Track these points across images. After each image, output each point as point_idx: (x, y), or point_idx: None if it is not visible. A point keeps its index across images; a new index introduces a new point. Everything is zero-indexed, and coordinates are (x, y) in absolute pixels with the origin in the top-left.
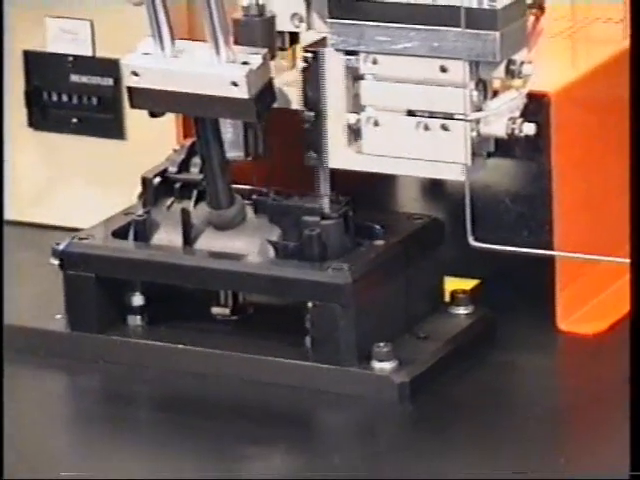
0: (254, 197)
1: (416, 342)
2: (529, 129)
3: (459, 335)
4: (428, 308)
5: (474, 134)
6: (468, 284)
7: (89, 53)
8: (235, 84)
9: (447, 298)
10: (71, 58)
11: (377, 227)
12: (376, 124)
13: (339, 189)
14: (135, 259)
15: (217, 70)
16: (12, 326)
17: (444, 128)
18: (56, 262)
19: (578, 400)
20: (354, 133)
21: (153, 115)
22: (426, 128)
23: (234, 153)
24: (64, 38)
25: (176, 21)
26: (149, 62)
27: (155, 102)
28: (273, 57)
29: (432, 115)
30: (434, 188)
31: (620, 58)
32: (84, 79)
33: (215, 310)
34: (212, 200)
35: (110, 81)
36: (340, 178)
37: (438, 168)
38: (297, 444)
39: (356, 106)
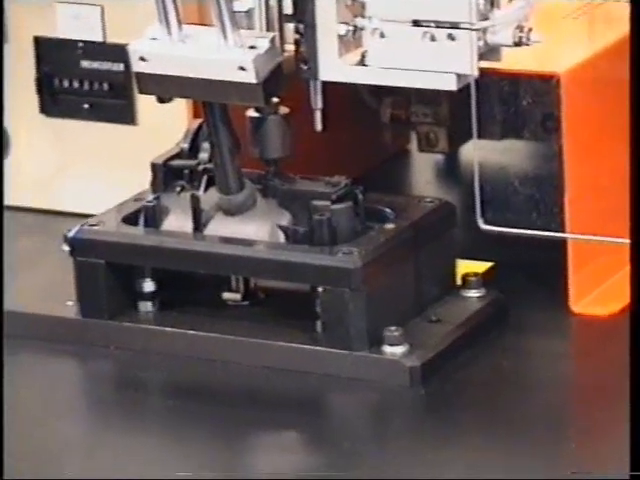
0: (264, 182)
1: (427, 326)
2: (537, 37)
3: (471, 318)
4: (439, 291)
5: (481, 43)
6: (480, 267)
7: (100, 39)
8: (243, 68)
9: (459, 281)
10: (82, 44)
11: (387, 211)
12: (382, 35)
13: (348, 171)
14: (145, 245)
15: (224, 55)
16: (23, 313)
17: (450, 38)
18: (67, 248)
19: (591, 385)
20: (345, 45)
21: (161, 101)
22: (432, 39)
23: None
24: (74, 24)
25: (186, 8)
26: (156, 47)
27: (163, 87)
28: None
29: (438, 25)
30: (446, 171)
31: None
32: (95, 65)
33: (226, 295)
34: (222, 185)
35: (121, 66)
36: (350, 159)
37: (442, 79)
38: (308, 429)
39: (347, 17)
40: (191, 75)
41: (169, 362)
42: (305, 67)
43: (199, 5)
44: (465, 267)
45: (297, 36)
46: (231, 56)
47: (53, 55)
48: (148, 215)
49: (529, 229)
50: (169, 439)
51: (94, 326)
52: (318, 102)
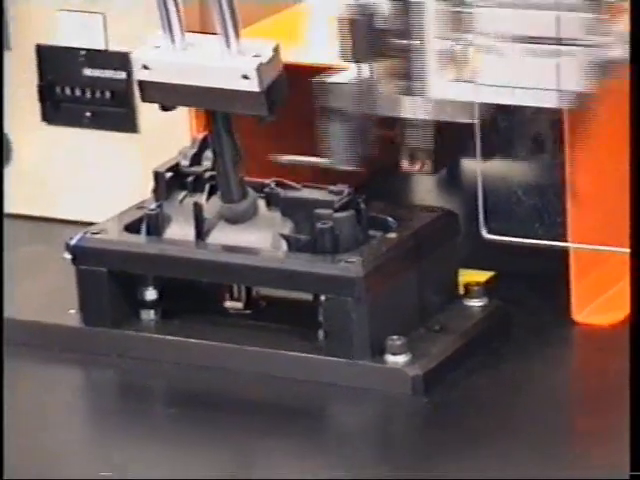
0: (266, 190)
1: (430, 335)
2: None
3: (473, 328)
4: (442, 301)
5: (591, 59)
6: (482, 276)
7: (102, 47)
8: (246, 77)
9: (461, 291)
10: (84, 52)
11: (390, 220)
12: (489, 52)
13: (353, 182)
14: (148, 254)
15: (228, 63)
16: (25, 321)
17: (563, 54)
18: (69, 257)
19: (593, 393)
20: (450, 62)
21: (164, 109)
22: (541, 54)
23: None
24: (77, 32)
25: (189, 15)
26: (159, 55)
27: (166, 96)
28: None
29: (547, 41)
30: (448, 180)
31: None
32: (97, 73)
33: (228, 304)
34: (224, 194)
35: (123, 74)
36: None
37: (550, 96)
38: (310, 438)
39: (452, 33)
40: (194, 83)
41: (171, 370)
42: (413, 85)
43: (201, 12)
44: (467, 276)
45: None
46: (234, 64)
47: (55, 63)
48: (150, 223)
49: (532, 238)
50: (171, 447)
51: (96, 334)
52: (426, 120)
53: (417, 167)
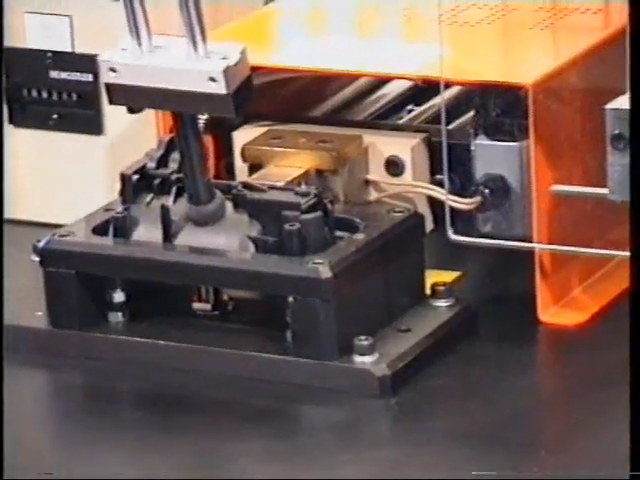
0: (234, 192)
1: (397, 335)
2: None
3: (440, 328)
4: (409, 301)
5: None
6: (449, 276)
7: (68, 49)
8: (213, 79)
9: (428, 291)
10: (50, 54)
11: (357, 221)
12: None
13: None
14: (115, 256)
15: (195, 65)
16: None
17: None
18: (37, 259)
19: (563, 393)
20: None
21: (132, 111)
22: None
23: None
24: (43, 34)
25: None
26: (126, 58)
27: (133, 98)
28: None
29: None
30: None
31: (598, 48)
32: (64, 75)
33: (196, 306)
34: (192, 196)
35: (90, 77)
36: None
37: None
38: (279, 439)
39: None
40: (161, 86)
41: (139, 372)
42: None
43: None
44: (434, 276)
45: None
46: (201, 67)
47: (22, 65)
48: (118, 226)
49: (499, 239)
50: (140, 449)
51: (64, 336)
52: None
53: None
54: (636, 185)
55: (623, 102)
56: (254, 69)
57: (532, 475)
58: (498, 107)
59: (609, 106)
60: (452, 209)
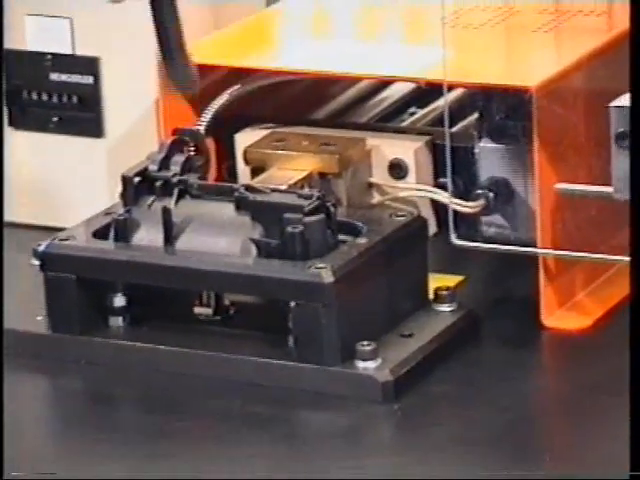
0: (236, 195)
1: (400, 340)
2: None
3: (443, 333)
4: (412, 306)
5: None
6: (452, 281)
7: (69, 51)
8: None
9: (431, 295)
10: (50, 56)
11: (360, 224)
12: None
13: None
14: (116, 260)
15: None
16: None
17: None
18: (37, 263)
19: (566, 397)
20: None
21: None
22: None
23: None
24: (43, 36)
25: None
26: None
27: None
28: None
29: None
30: None
31: (602, 51)
32: (64, 77)
33: (197, 310)
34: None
35: (90, 79)
36: None
37: None
38: (280, 445)
39: None
40: None
41: (140, 377)
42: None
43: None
44: (437, 280)
45: None
46: None
47: (22, 68)
48: (119, 229)
49: (502, 242)
50: (141, 454)
51: (64, 341)
52: None
53: None
54: (636, 186)
55: (627, 100)
56: (256, 72)
57: (532, 475)
58: (502, 110)
59: (613, 104)
60: (456, 212)
